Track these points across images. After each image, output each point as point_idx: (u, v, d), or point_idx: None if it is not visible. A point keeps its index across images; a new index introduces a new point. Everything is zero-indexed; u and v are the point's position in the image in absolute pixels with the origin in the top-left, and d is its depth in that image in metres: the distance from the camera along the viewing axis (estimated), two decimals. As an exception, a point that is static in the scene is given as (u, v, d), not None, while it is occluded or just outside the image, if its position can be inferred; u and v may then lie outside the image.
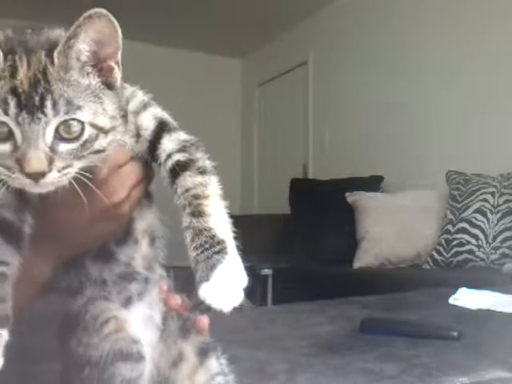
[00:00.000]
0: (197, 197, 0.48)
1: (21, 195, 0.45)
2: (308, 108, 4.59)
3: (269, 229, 3.71)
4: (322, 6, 4.31)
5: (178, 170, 0.50)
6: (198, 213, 0.47)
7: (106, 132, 0.46)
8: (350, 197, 3.21)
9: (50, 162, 0.43)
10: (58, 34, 0.47)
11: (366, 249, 2.92)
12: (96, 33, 0.45)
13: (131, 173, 0.52)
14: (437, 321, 1.06)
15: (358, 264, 2.88)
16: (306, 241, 3.40)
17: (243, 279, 0.46)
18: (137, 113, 0.52)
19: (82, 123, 0.44)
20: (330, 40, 4.35)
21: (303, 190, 3.80)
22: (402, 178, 3.37)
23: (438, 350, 0.83)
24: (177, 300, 0.59)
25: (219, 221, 0.48)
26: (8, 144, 0.42)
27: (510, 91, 2.86)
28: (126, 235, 0.55)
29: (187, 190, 0.49)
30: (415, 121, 3.47)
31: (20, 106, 0.41)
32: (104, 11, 0.45)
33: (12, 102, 0.41)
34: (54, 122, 0.43)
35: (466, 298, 1.25)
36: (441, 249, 2.62)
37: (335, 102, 4.27)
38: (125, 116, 0.50)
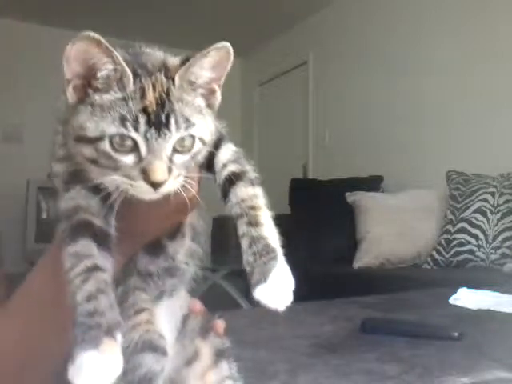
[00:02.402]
0: (252, 208, 0.53)
1: (106, 201, 0.49)
2: (308, 108, 4.59)
3: (269, 229, 3.70)
4: (321, 6, 4.31)
5: (234, 179, 0.55)
6: (254, 223, 0.52)
7: (206, 145, 0.52)
8: (350, 197, 3.21)
9: (169, 171, 0.48)
10: (161, 56, 0.52)
11: (366, 249, 2.92)
12: (216, 62, 0.51)
13: (197, 172, 0.56)
14: (437, 321, 1.06)
15: (358, 264, 2.88)
16: (305, 241, 3.40)
17: (292, 282, 0.50)
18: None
19: (194, 138, 0.49)
20: (330, 40, 4.35)
21: (303, 190, 3.80)
22: (402, 178, 3.37)
23: (438, 349, 0.83)
24: (200, 306, 0.62)
25: (271, 230, 0.53)
26: (131, 156, 0.47)
27: (510, 91, 2.87)
28: (176, 230, 0.58)
29: (243, 201, 0.53)
30: (415, 121, 3.47)
31: (149, 124, 0.46)
32: (228, 45, 0.50)
33: (142, 120, 0.46)
34: (175, 137, 0.48)
35: (466, 298, 1.25)
36: (441, 249, 2.62)
37: (335, 101, 4.27)
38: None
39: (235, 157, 0.57)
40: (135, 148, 0.47)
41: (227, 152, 0.57)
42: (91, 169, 0.49)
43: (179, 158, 0.48)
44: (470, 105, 3.10)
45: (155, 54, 0.52)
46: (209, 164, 0.56)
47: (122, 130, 0.46)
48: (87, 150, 0.47)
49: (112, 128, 0.46)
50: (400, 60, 3.60)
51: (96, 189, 0.49)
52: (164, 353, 0.54)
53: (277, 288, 0.49)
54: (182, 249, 0.58)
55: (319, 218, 3.41)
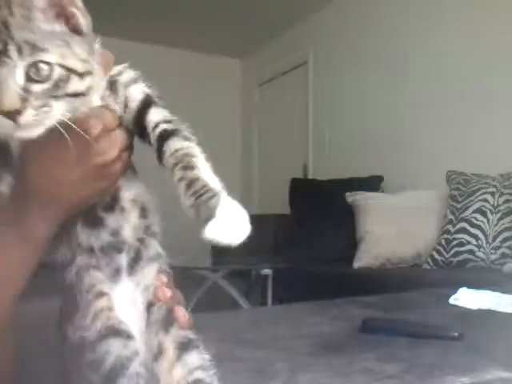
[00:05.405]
0: (187, 155, 0.51)
1: (2, 154, 0.49)
2: (308, 108, 4.59)
3: (269, 229, 3.72)
4: (321, 6, 4.31)
5: (166, 136, 0.53)
6: (190, 167, 0.50)
7: (80, 75, 0.49)
8: (350, 197, 3.21)
9: (24, 100, 0.46)
10: None
11: (366, 249, 2.92)
12: None
13: (121, 136, 0.55)
14: (437, 321, 1.06)
15: (358, 264, 2.88)
16: (305, 241, 3.40)
17: (244, 213, 0.49)
18: (127, 85, 0.56)
19: (50, 64, 0.47)
20: (330, 40, 4.35)
21: (303, 190, 3.80)
22: (402, 178, 3.37)
23: (438, 349, 0.83)
24: (165, 293, 0.58)
25: (209, 175, 0.51)
26: None
27: (510, 91, 2.87)
28: (112, 202, 0.57)
29: (177, 151, 0.52)
30: (415, 121, 3.47)
31: None
32: None
33: None
34: (22, 64, 0.46)
35: (467, 298, 1.25)
36: (441, 249, 2.62)
37: (335, 101, 4.27)
38: (114, 85, 0.55)
39: (167, 118, 0.55)
40: None
41: (158, 114, 0.55)
42: None
43: (37, 87, 0.47)
44: (470, 105, 3.09)
45: None
46: (141, 131, 0.55)
47: None
48: None
49: None
50: (400, 60, 3.60)
51: None
52: (129, 336, 0.53)
53: (228, 221, 0.47)
54: (126, 224, 0.57)
55: (319, 218, 3.42)
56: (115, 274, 0.56)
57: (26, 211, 0.51)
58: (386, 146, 3.66)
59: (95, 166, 0.52)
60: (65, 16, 0.50)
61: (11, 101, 0.45)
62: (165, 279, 0.59)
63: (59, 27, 0.50)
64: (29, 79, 0.47)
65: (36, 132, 0.47)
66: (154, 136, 0.54)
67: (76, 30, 0.51)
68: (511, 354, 0.82)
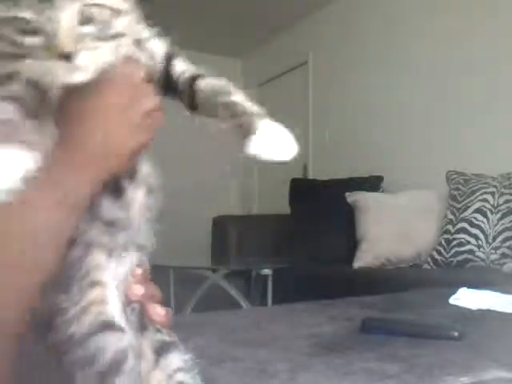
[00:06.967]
0: (223, 86, 0.54)
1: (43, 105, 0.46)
2: (308, 108, 4.59)
3: (269, 229, 3.72)
4: (321, 6, 4.31)
5: (197, 77, 0.55)
6: (228, 92, 0.54)
7: (119, 13, 0.49)
8: (350, 197, 3.21)
9: (78, 41, 0.45)
10: None
11: (366, 249, 2.92)
12: None
13: (155, 88, 0.54)
14: (437, 321, 1.06)
15: (358, 264, 2.88)
16: (305, 241, 3.40)
17: (287, 131, 0.50)
18: (148, 40, 0.55)
19: (100, 6, 0.47)
20: (329, 40, 4.35)
21: (303, 190, 3.80)
22: (402, 178, 3.37)
23: (438, 349, 0.83)
24: (137, 291, 0.54)
25: (249, 102, 0.54)
26: (38, 38, 0.44)
27: (510, 91, 2.87)
28: (133, 172, 0.53)
29: (212, 85, 0.54)
30: (415, 121, 3.47)
31: None
32: None
33: None
34: (75, 7, 0.45)
35: (467, 298, 1.25)
36: (441, 249, 2.62)
37: (335, 101, 4.27)
38: (139, 42, 0.54)
39: (193, 67, 0.56)
40: (40, 29, 0.44)
41: (183, 63, 0.56)
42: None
43: (88, 29, 0.46)
44: (470, 105, 3.10)
45: None
46: (166, 86, 0.55)
47: (15, 11, 0.43)
48: None
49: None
50: (400, 60, 3.60)
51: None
52: (122, 329, 0.49)
53: (273, 137, 0.48)
54: (136, 200, 0.53)
55: (319, 218, 3.41)
56: (110, 253, 0.52)
57: (67, 165, 0.47)
58: (386, 146, 3.66)
59: (139, 113, 0.50)
60: None
61: (68, 43, 0.44)
62: (138, 271, 0.55)
63: None
64: (82, 22, 0.45)
65: (89, 76, 0.45)
66: (183, 80, 0.54)
67: None
68: (511, 354, 0.82)
